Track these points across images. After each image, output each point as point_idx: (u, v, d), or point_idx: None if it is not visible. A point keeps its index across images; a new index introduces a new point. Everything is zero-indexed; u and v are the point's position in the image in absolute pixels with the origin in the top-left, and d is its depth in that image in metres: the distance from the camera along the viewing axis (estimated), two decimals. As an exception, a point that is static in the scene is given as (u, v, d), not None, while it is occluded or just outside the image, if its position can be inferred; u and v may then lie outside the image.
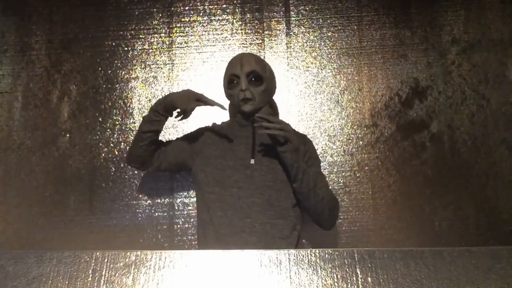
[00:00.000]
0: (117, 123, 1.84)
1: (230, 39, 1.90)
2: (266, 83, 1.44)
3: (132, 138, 1.81)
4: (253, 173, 1.36)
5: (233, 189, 1.34)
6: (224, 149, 1.43)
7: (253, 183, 1.35)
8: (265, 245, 1.28)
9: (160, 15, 1.92)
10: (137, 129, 1.82)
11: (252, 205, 1.32)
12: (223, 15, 1.91)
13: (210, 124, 1.61)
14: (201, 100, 1.42)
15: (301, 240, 1.43)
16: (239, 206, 1.32)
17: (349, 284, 0.59)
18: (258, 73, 1.42)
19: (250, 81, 1.41)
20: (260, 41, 1.89)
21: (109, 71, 1.89)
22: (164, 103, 1.43)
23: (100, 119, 1.85)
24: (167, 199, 1.75)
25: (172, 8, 1.93)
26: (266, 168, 1.38)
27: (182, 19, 1.92)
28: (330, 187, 1.44)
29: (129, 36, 1.91)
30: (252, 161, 1.39)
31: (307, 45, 1.89)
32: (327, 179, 1.76)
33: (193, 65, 1.88)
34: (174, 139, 1.63)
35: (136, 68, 1.88)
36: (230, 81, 1.45)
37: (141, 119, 1.52)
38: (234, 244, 1.28)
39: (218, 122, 1.62)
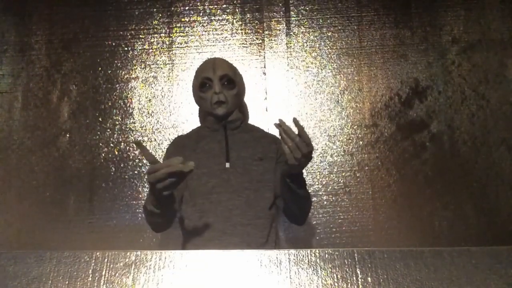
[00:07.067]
0: (117, 123, 1.84)
1: (230, 39, 1.90)
2: (238, 87, 1.45)
3: (132, 138, 1.82)
4: (230, 177, 1.35)
5: (212, 195, 1.33)
6: (198, 158, 1.40)
7: (230, 186, 1.34)
8: (247, 245, 1.29)
9: (160, 15, 1.92)
10: (137, 129, 1.83)
11: (232, 208, 1.31)
12: (223, 15, 1.91)
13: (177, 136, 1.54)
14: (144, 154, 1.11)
15: (279, 235, 1.41)
16: (220, 211, 1.31)
17: (349, 284, 0.59)
18: (230, 77, 1.42)
19: (223, 85, 1.41)
20: (260, 41, 1.89)
21: (109, 71, 1.89)
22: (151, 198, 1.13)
23: (100, 119, 1.85)
24: (167, 199, 1.76)
25: (172, 8, 1.93)
26: (241, 169, 1.37)
27: (182, 19, 1.92)
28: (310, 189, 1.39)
29: (129, 36, 1.91)
30: (227, 165, 1.37)
31: (307, 45, 1.89)
32: (327, 179, 1.77)
33: (193, 65, 1.88)
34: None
35: (136, 68, 1.88)
36: (203, 85, 1.43)
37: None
38: (216, 247, 1.28)
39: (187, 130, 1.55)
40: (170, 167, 0.97)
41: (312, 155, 1.16)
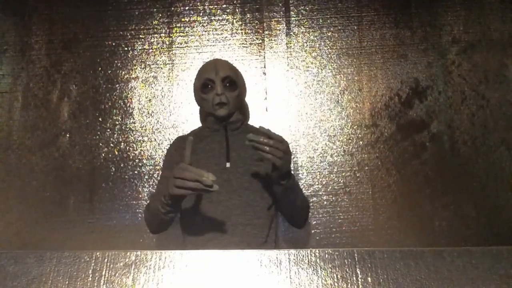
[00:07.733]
0: (117, 123, 1.84)
1: (230, 39, 1.90)
2: (239, 88, 1.45)
3: (132, 138, 1.81)
4: (230, 177, 1.36)
5: (212, 195, 1.34)
6: (198, 158, 1.42)
7: (231, 186, 1.35)
8: (247, 245, 1.30)
9: (160, 15, 1.92)
10: (137, 129, 1.83)
11: (232, 208, 1.32)
12: (223, 15, 1.91)
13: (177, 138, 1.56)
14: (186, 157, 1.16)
15: (278, 235, 1.47)
16: (220, 211, 1.32)
17: (349, 284, 0.59)
18: (232, 78, 1.42)
19: (225, 86, 1.42)
20: (260, 41, 1.89)
21: (109, 71, 1.89)
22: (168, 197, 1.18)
23: (100, 119, 1.84)
24: (167, 199, 1.75)
25: (172, 8, 1.93)
26: (242, 170, 1.38)
27: (182, 19, 1.92)
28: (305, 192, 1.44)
29: (129, 36, 1.91)
30: (228, 165, 1.39)
31: (307, 45, 1.89)
32: (327, 179, 1.77)
33: (193, 65, 1.88)
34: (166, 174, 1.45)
35: (136, 68, 1.88)
36: (204, 86, 1.43)
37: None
38: (216, 247, 1.29)
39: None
40: (202, 177, 1.02)
41: (291, 150, 1.23)
